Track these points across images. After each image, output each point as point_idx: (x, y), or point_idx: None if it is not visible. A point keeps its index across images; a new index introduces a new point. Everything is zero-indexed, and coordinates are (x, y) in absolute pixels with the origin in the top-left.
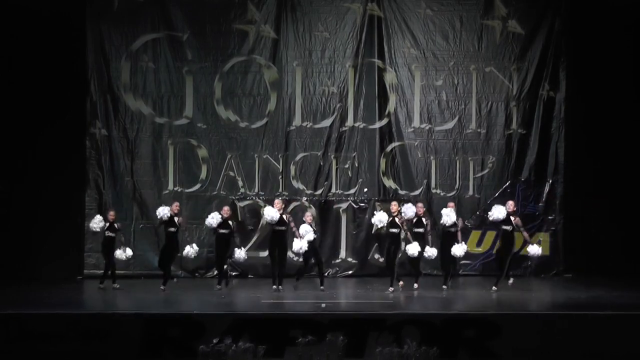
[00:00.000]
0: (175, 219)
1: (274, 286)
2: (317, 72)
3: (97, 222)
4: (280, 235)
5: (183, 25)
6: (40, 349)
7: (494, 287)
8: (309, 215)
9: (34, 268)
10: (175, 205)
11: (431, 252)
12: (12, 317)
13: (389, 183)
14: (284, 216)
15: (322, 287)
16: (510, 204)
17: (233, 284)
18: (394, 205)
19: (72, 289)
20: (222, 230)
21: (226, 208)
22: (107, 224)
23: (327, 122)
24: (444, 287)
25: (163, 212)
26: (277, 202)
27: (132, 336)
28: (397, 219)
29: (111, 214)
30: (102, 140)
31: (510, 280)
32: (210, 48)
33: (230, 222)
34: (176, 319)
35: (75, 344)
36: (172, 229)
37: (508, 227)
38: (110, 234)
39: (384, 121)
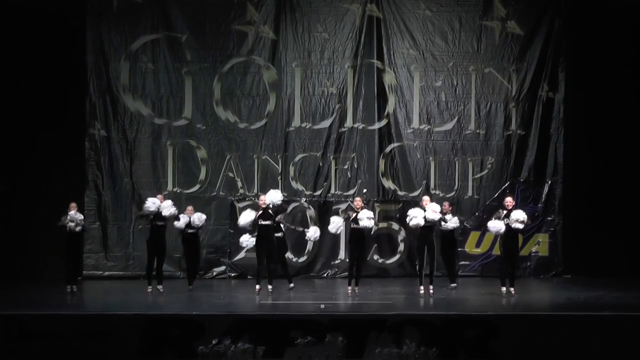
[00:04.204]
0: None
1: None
2: (316, 73)
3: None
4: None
5: (182, 25)
6: (40, 349)
7: (511, 289)
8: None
9: (34, 268)
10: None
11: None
12: (12, 317)
13: (388, 184)
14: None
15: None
16: (509, 200)
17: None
18: (425, 200)
19: (72, 289)
20: (190, 231)
21: (190, 208)
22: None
23: (326, 123)
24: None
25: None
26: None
27: (132, 336)
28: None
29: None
30: (101, 141)
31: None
32: (209, 49)
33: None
34: (176, 319)
35: (75, 344)
36: (161, 223)
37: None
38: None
39: (383, 122)
